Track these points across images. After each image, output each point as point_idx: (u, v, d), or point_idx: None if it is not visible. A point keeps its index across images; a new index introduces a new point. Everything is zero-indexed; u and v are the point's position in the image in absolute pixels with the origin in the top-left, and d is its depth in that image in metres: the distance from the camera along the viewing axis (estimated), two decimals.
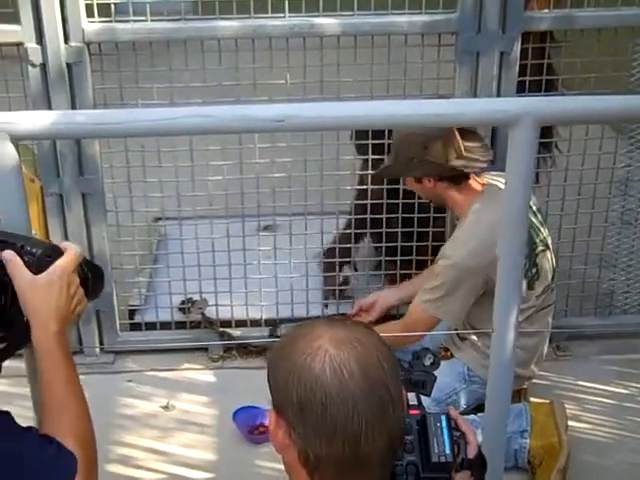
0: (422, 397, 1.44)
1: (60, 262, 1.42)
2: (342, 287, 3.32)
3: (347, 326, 1.24)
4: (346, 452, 1.16)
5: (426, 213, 3.06)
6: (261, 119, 1.57)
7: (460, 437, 1.38)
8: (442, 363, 2.71)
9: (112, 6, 2.84)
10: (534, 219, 2.67)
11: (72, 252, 1.45)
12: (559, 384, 3.05)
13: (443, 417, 1.37)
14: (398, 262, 3.16)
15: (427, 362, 1.47)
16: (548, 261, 2.71)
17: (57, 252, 1.45)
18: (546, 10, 2.90)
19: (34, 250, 1.42)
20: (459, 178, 2.65)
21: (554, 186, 3.12)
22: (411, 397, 1.38)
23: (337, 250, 3.23)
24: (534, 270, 2.66)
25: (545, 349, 2.86)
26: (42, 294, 1.39)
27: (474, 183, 2.69)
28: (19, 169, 1.55)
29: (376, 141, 2.92)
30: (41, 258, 1.41)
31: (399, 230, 3.11)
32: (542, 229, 2.71)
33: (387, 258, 3.20)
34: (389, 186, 3.05)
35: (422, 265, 3.12)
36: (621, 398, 2.99)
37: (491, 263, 2.51)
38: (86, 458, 1.37)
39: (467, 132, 2.65)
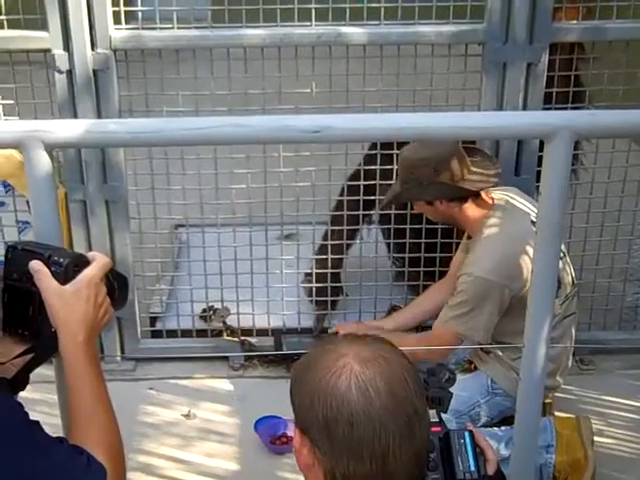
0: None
1: (88, 272, 1.41)
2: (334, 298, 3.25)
3: (371, 343, 1.23)
4: (373, 471, 1.15)
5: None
6: (297, 130, 1.55)
7: (480, 453, 1.36)
8: (465, 376, 2.72)
9: (139, 13, 2.84)
10: None
11: (100, 262, 1.44)
12: (583, 398, 3.03)
13: (466, 433, 1.36)
14: (421, 273, 3.14)
15: (443, 378, 1.45)
16: (565, 269, 2.66)
17: (84, 262, 1.44)
18: (574, 21, 2.88)
19: (61, 260, 1.40)
20: (470, 196, 2.64)
21: (580, 199, 3.10)
22: (432, 414, 1.35)
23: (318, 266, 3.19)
24: None
25: (570, 360, 2.83)
26: (70, 304, 1.38)
27: (485, 199, 2.67)
28: (52, 177, 1.54)
29: None
30: (68, 268, 1.40)
31: (424, 242, 3.09)
32: None
33: (410, 269, 3.18)
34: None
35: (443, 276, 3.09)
36: None
37: (513, 276, 2.53)
38: (115, 469, 1.36)
39: (471, 149, 2.65)
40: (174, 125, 1.58)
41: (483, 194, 2.67)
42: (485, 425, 2.66)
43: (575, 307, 2.74)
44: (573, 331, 2.76)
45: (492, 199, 2.68)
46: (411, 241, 3.11)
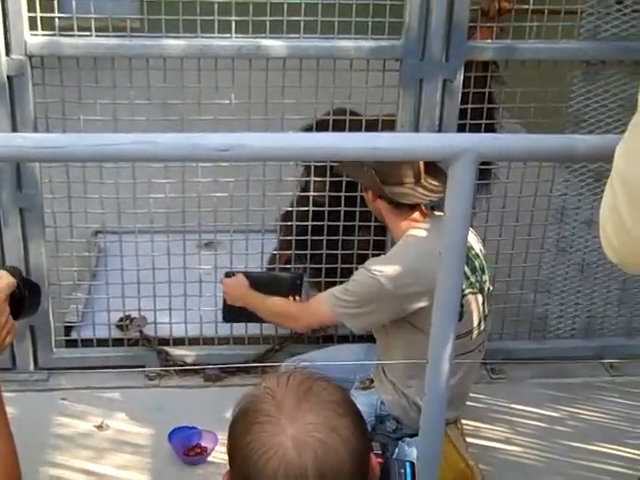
0: None
1: None
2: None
3: (321, 412, 1.14)
4: None
5: (352, 221, 3.08)
6: (205, 148, 1.57)
7: None
8: (359, 392, 2.70)
9: (56, 20, 2.81)
10: (467, 264, 2.58)
11: (3, 282, 1.42)
12: (492, 406, 3.10)
13: (407, 464, 1.35)
14: (322, 270, 3.17)
15: (390, 428, 1.47)
16: (477, 306, 2.63)
17: None
18: (489, 40, 2.96)
19: None
20: (400, 205, 2.61)
21: (492, 212, 3.18)
22: (375, 446, 1.33)
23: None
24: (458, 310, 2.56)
25: (467, 393, 2.81)
26: None
27: (420, 210, 2.64)
28: None
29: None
30: None
31: (324, 238, 3.12)
32: (474, 275, 2.63)
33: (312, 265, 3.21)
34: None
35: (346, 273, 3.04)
36: (552, 421, 3.05)
37: (411, 292, 2.47)
38: None
39: (437, 168, 2.57)
40: (81, 141, 1.58)
41: (418, 208, 2.63)
42: None
43: (474, 347, 2.68)
44: (470, 369, 2.72)
45: (425, 214, 2.64)
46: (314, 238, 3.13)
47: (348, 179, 2.98)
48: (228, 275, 2.98)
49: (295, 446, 1.10)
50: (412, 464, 1.35)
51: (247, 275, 2.95)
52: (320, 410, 1.14)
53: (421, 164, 2.56)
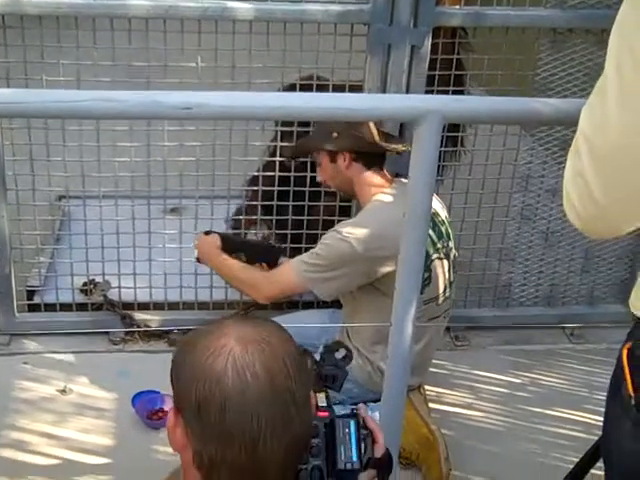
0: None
1: None
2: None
3: (256, 325, 1.20)
4: (242, 457, 1.13)
5: (318, 187, 3.03)
6: (167, 106, 1.55)
7: (368, 435, 1.34)
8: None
9: None
10: (433, 229, 2.65)
11: None
12: (455, 373, 3.13)
13: (352, 422, 1.33)
14: (288, 236, 3.14)
15: (339, 356, 1.44)
16: (444, 272, 2.68)
17: None
18: (457, 6, 2.95)
19: None
20: (375, 161, 2.66)
21: (458, 179, 3.19)
22: (321, 398, 1.33)
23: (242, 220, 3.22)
24: (426, 274, 2.60)
25: (431, 360, 2.86)
26: None
27: (385, 176, 2.71)
28: None
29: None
30: None
31: (290, 204, 3.11)
32: (440, 240, 2.69)
33: (277, 231, 3.18)
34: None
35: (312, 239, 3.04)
36: (514, 387, 3.09)
37: (379, 258, 2.53)
38: None
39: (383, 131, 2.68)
40: (42, 97, 1.56)
41: (385, 172, 2.70)
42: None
43: (439, 312, 2.74)
44: (434, 335, 2.77)
45: (392, 180, 2.71)
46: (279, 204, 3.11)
47: None
48: (208, 234, 2.95)
49: (240, 344, 1.15)
50: (357, 421, 1.32)
51: (223, 237, 2.93)
52: (261, 323, 1.21)
53: (371, 125, 2.59)
